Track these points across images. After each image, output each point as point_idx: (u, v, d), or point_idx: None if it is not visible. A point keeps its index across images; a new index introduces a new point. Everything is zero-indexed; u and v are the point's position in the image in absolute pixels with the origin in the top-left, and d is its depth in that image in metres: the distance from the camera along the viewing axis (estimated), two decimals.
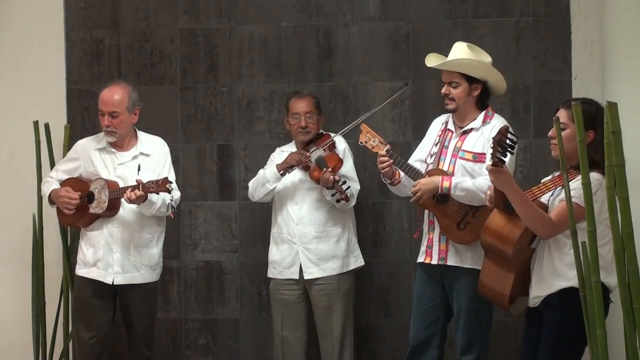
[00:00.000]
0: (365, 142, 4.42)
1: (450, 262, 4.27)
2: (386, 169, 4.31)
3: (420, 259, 4.39)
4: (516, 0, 4.94)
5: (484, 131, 4.25)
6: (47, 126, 4.96)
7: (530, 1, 4.93)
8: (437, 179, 4.20)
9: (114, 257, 4.51)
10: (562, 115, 3.77)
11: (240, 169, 5.12)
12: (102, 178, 4.54)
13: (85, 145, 4.69)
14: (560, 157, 3.63)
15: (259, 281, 5.07)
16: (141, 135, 4.69)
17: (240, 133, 5.14)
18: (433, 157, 4.34)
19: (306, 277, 4.66)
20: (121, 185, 4.51)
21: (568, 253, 3.71)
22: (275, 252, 4.76)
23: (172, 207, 4.49)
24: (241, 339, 5.17)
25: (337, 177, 4.53)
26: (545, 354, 3.79)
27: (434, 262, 4.30)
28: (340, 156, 4.65)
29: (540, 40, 4.93)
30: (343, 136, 4.70)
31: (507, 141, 3.62)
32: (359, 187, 4.71)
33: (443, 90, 4.31)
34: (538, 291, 3.80)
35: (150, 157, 4.63)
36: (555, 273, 3.75)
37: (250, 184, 4.79)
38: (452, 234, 4.26)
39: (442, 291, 4.35)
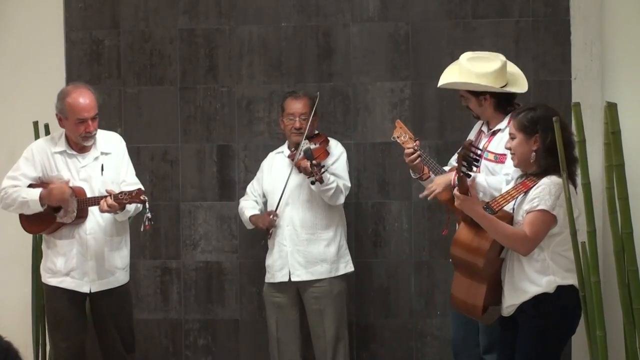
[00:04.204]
0: (398, 137, 4.44)
1: None
2: (415, 162, 4.33)
3: None
4: (516, 1, 4.94)
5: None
6: (47, 126, 4.96)
7: (530, 1, 4.93)
8: (450, 174, 4.22)
9: (89, 265, 4.39)
10: (510, 125, 3.83)
11: (240, 169, 5.12)
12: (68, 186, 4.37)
13: (43, 147, 4.46)
14: (561, 159, 3.63)
15: (258, 281, 5.05)
16: (97, 133, 4.47)
17: (240, 133, 5.13)
18: None
19: (293, 279, 4.65)
20: (86, 189, 4.36)
21: (537, 260, 3.72)
22: (269, 257, 4.77)
23: (149, 219, 4.22)
24: (241, 339, 5.17)
25: (315, 162, 4.45)
26: None
27: None
28: (329, 152, 4.62)
29: (539, 41, 4.93)
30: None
31: (471, 155, 3.63)
32: (349, 185, 4.69)
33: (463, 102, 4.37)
34: (511, 300, 3.79)
35: (111, 155, 4.48)
36: (526, 280, 3.74)
37: (239, 209, 4.87)
38: None
39: None
